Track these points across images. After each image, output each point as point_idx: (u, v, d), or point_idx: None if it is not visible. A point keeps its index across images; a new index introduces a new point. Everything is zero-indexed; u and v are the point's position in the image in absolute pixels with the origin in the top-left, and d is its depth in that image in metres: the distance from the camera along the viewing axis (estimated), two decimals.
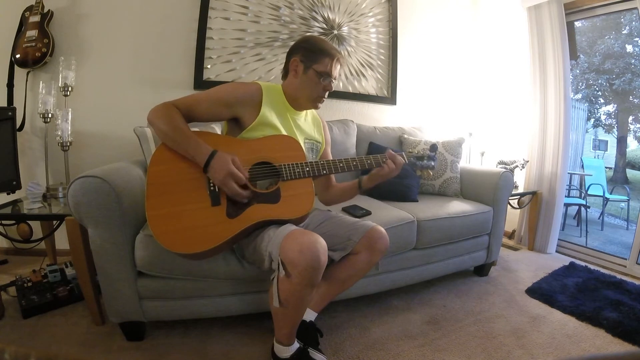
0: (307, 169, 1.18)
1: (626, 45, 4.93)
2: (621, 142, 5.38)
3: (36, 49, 1.81)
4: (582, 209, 3.70)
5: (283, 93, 1.30)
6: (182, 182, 1.09)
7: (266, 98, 1.24)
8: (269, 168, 1.17)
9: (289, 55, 1.30)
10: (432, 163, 1.32)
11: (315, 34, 2.39)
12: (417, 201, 1.96)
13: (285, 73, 1.32)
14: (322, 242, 1.04)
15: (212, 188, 1.10)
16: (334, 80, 1.28)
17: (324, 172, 1.21)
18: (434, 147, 1.33)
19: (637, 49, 4.83)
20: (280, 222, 1.13)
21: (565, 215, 3.43)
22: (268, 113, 1.23)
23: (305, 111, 1.38)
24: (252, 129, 1.20)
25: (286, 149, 1.21)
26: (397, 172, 1.26)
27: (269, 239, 1.09)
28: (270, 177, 1.18)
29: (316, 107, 1.33)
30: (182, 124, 1.10)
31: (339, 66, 1.28)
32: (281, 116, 1.27)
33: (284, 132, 1.25)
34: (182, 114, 1.12)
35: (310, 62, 1.24)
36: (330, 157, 1.48)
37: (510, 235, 2.77)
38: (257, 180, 1.17)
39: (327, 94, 1.29)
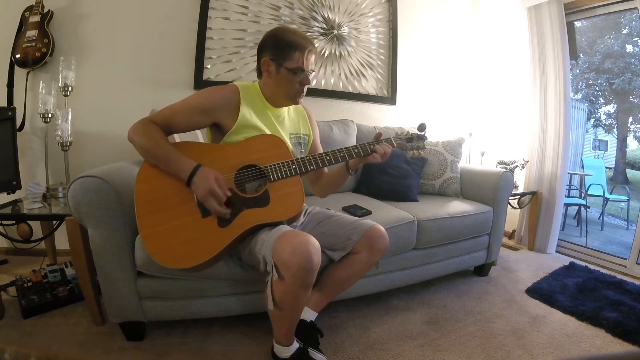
0: (294, 167, 1.15)
1: (626, 45, 4.93)
2: (621, 142, 5.37)
3: (36, 49, 1.81)
4: (582, 209, 3.70)
5: (260, 92, 1.27)
6: (170, 198, 1.08)
7: (244, 99, 1.20)
8: (255, 170, 1.15)
9: (259, 55, 1.24)
10: (422, 143, 1.28)
11: (315, 34, 2.39)
12: (417, 201, 1.95)
13: (259, 72, 1.27)
14: (314, 243, 1.03)
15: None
16: (310, 73, 1.23)
17: (311, 167, 1.17)
18: (422, 127, 1.28)
19: (637, 49, 4.83)
20: (273, 224, 1.12)
21: (565, 215, 3.43)
22: (248, 114, 1.20)
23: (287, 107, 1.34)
24: (233, 132, 1.18)
25: (270, 148, 1.18)
26: (385, 159, 1.22)
27: (262, 242, 1.08)
28: (258, 180, 1.16)
29: (296, 103, 1.29)
30: (161, 139, 1.09)
31: (312, 57, 1.21)
32: (262, 115, 1.24)
33: (267, 132, 1.22)
34: (161, 128, 1.11)
35: (281, 59, 1.18)
36: (320, 147, 1.45)
37: (510, 235, 2.77)
38: (245, 184, 1.15)
39: (305, 88, 1.24)
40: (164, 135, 1.11)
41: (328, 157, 1.19)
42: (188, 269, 1.06)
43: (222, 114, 1.18)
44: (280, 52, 1.18)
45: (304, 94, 1.26)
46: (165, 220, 1.06)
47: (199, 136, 1.63)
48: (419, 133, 1.29)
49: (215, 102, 1.18)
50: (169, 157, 1.07)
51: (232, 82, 1.36)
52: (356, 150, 1.20)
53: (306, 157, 1.18)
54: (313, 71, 1.25)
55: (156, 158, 1.09)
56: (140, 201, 1.07)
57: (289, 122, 1.34)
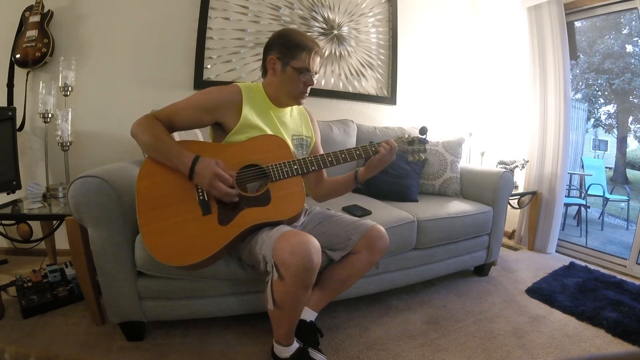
0: (295, 167, 1.16)
1: (626, 45, 4.93)
2: (621, 142, 5.38)
3: (36, 49, 1.81)
4: (582, 209, 3.70)
5: (264, 91, 1.27)
6: (171, 195, 1.09)
7: (247, 99, 1.21)
8: (257, 170, 1.15)
9: (265, 53, 1.25)
10: (424, 146, 1.28)
11: (315, 34, 2.39)
12: (417, 201, 1.95)
13: (264, 71, 1.28)
14: (314, 243, 1.03)
15: (201, 197, 1.09)
16: (315, 74, 1.24)
17: (313, 168, 1.18)
18: (423, 130, 1.28)
19: (637, 49, 4.83)
20: (273, 224, 1.12)
21: (565, 215, 3.43)
22: (249, 114, 1.20)
23: (290, 107, 1.35)
24: (236, 132, 1.18)
25: (272, 149, 1.18)
26: (392, 156, 1.22)
27: (262, 241, 1.08)
28: (259, 179, 1.17)
29: (299, 104, 1.30)
30: (163, 134, 1.10)
31: (318, 59, 1.23)
32: (264, 116, 1.25)
33: (269, 132, 1.23)
34: (163, 124, 1.12)
35: (287, 58, 1.20)
36: (321, 150, 1.45)
37: (510, 235, 2.77)
38: (246, 184, 1.15)
39: (309, 89, 1.26)
40: (167, 131, 1.12)
41: (330, 158, 1.20)
42: (186, 266, 1.06)
43: (225, 113, 1.19)
44: (288, 51, 1.20)
45: (307, 94, 1.27)
46: (165, 217, 1.06)
47: (199, 135, 1.63)
48: (420, 137, 1.29)
49: (218, 101, 1.19)
50: (171, 152, 1.08)
51: (232, 82, 1.37)
52: (357, 152, 1.21)
53: (307, 157, 1.19)
54: (317, 73, 1.26)
55: (158, 152, 1.09)
56: (141, 198, 1.07)
57: (291, 123, 1.34)
